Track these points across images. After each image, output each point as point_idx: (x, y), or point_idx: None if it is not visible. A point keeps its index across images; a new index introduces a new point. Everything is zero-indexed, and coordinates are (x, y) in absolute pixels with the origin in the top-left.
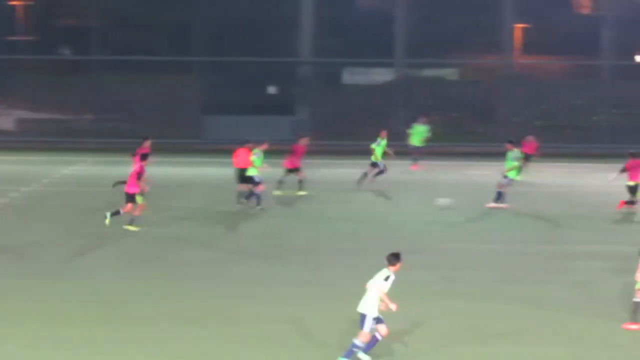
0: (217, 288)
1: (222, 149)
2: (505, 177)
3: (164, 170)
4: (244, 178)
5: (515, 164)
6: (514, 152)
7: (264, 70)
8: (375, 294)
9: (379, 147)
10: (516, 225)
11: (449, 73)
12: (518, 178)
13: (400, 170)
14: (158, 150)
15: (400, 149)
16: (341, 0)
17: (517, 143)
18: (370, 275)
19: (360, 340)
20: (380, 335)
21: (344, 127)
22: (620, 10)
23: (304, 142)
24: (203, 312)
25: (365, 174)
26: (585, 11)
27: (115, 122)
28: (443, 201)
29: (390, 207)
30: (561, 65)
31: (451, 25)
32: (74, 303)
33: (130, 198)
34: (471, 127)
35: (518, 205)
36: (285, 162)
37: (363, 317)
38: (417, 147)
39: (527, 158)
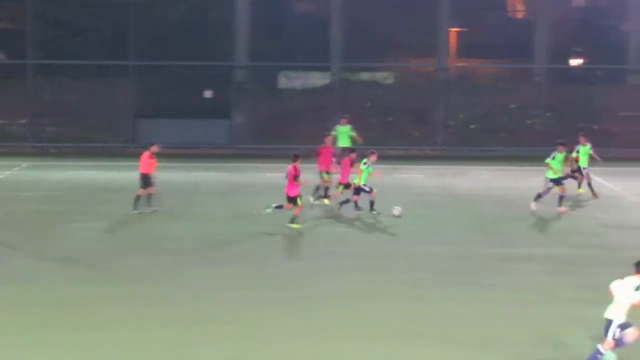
0: (167, 291)
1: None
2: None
3: (97, 174)
4: (146, 182)
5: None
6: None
7: (199, 74)
8: (624, 301)
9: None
10: (453, 227)
11: (385, 76)
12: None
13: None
14: (91, 154)
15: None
16: (277, 4)
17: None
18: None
19: (605, 347)
20: (629, 339)
21: (280, 131)
22: (554, 13)
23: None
24: (154, 315)
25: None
26: (520, 15)
27: (50, 126)
28: (397, 210)
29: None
30: (496, 68)
31: (387, 28)
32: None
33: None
34: (406, 130)
35: (454, 208)
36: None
37: (609, 323)
38: (343, 149)
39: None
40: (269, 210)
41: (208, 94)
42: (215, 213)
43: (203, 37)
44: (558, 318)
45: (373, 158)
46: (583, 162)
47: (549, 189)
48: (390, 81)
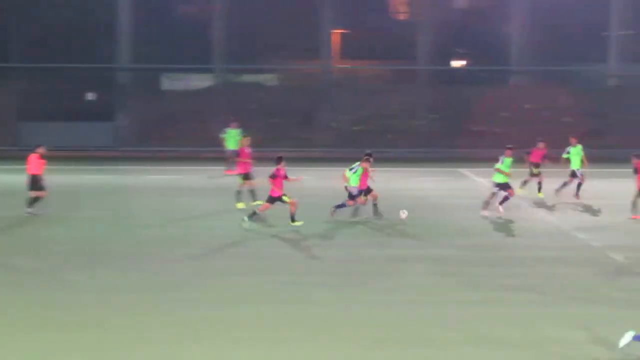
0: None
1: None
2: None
3: None
4: (35, 184)
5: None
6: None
7: (82, 76)
8: None
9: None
10: (341, 229)
11: (269, 78)
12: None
13: (216, 174)
14: None
15: (219, 154)
16: (160, 6)
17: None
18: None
19: None
20: None
21: (164, 133)
22: (436, 15)
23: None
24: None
25: None
26: (403, 16)
27: None
28: (403, 213)
29: (209, 212)
30: (380, 70)
31: (270, 30)
32: None
33: None
34: (291, 133)
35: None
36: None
37: None
38: (234, 151)
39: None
40: (245, 225)
41: (91, 96)
42: (100, 216)
43: (86, 40)
44: (444, 318)
45: (364, 164)
46: (575, 164)
47: (493, 194)
48: (274, 83)
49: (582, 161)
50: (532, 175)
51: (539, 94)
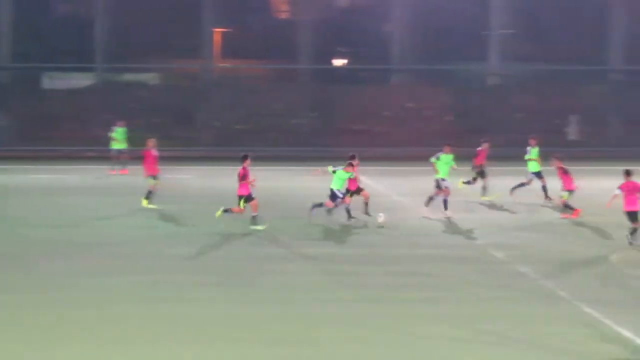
0: None
1: None
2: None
3: None
4: None
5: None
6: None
7: None
8: None
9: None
10: (221, 228)
11: (151, 77)
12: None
13: (100, 174)
14: None
15: (101, 154)
16: (40, 4)
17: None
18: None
19: None
20: None
21: (45, 133)
22: (318, 14)
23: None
24: None
25: None
26: (285, 16)
27: None
28: (380, 217)
29: (95, 212)
30: (261, 69)
31: (152, 29)
32: None
33: None
34: (173, 132)
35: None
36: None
37: None
38: (120, 151)
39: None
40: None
41: None
42: None
43: None
44: (324, 317)
45: (349, 169)
46: (535, 166)
47: (441, 190)
48: (155, 82)
49: (538, 163)
50: (479, 177)
51: (420, 93)
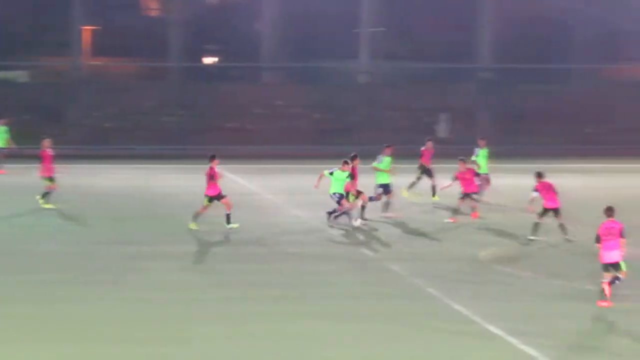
0: None
1: None
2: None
3: None
4: None
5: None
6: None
7: None
8: None
9: None
10: (87, 226)
11: (19, 75)
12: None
13: None
14: None
15: None
16: None
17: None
18: None
19: None
20: None
21: None
22: (188, 12)
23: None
24: None
25: None
26: (155, 13)
27: None
28: (356, 221)
29: None
30: (131, 67)
31: (19, 26)
32: None
33: None
34: (42, 130)
35: (90, 207)
36: None
37: None
38: (1, 149)
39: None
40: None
41: None
42: None
43: None
44: (191, 315)
45: (345, 168)
46: (482, 168)
47: (380, 194)
48: (24, 79)
49: (486, 164)
50: (419, 177)
51: (290, 91)
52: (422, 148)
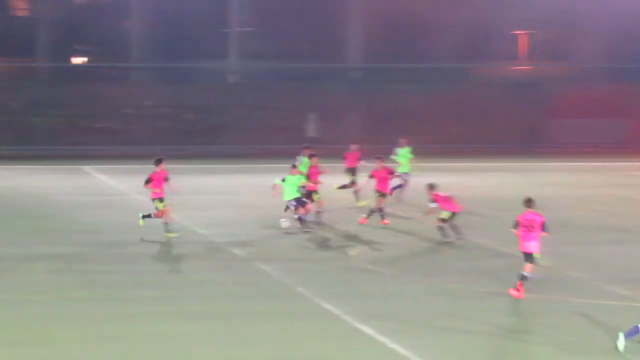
0: None
1: None
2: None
3: None
4: None
5: None
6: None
7: None
8: None
9: None
10: None
11: None
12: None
13: None
14: None
15: None
16: None
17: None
18: None
19: None
20: None
21: None
22: (56, 12)
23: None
24: None
25: None
26: (22, 13)
27: None
28: (285, 222)
29: None
30: None
31: None
32: None
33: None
34: None
35: None
36: None
37: None
38: None
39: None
40: (141, 223)
41: None
42: None
43: None
44: (58, 316)
45: (294, 172)
46: (403, 167)
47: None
48: None
49: (408, 164)
50: (352, 182)
51: (159, 91)
52: (347, 152)
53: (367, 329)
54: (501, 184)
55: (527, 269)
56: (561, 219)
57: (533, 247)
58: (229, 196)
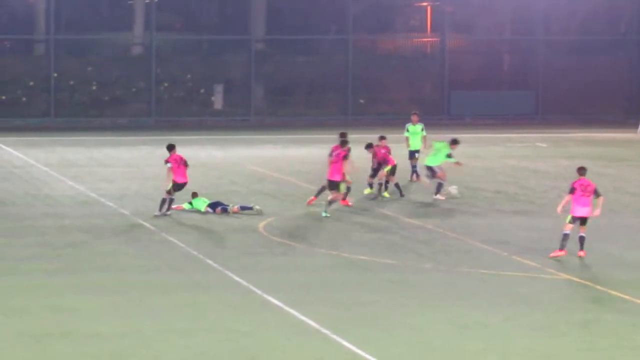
0: None
1: None
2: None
3: None
4: None
5: None
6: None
7: None
8: None
9: None
10: None
11: None
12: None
13: None
14: None
15: None
16: None
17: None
18: None
19: None
20: None
21: None
22: None
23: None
24: None
25: None
26: None
27: None
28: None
29: None
30: None
31: None
32: None
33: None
34: None
35: None
36: None
37: None
38: None
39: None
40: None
41: None
42: None
43: None
44: None
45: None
46: (414, 144)
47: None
48: None
49: (420, 141)
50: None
51: (64, 63)
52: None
53: (277, 301)
54: (402, 155)
55: (583, 230)
56: (468, 190)
57: (586, 211)
58: (136, 168)
